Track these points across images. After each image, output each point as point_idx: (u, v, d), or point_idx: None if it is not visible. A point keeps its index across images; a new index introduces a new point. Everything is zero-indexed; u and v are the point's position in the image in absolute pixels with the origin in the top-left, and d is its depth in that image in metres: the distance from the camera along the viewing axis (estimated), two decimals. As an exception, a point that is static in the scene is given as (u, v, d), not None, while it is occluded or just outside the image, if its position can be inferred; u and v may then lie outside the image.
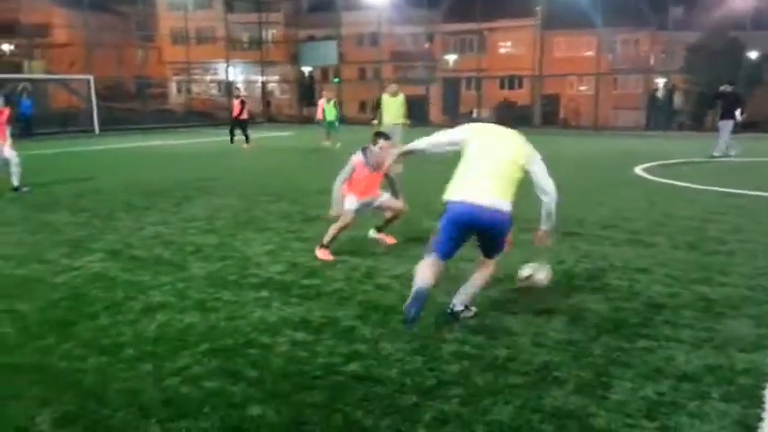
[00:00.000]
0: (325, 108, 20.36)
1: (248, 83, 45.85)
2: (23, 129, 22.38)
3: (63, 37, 41.75)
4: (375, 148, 6.09)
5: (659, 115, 28.81)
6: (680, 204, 8.89)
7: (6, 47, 41.30)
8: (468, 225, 4.24)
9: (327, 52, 38.54)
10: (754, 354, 3.70)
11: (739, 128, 16.38)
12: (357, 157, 6.13)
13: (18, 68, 34.38)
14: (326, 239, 6.12)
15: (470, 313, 4.42)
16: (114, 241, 6.71)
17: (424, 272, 4.23)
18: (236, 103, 20.16)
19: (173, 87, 46.49)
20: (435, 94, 39.16)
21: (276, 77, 46.22)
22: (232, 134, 20.07)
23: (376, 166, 6.08)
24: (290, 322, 4.35)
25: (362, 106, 42.55)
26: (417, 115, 34.14)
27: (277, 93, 46.69)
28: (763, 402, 3.10)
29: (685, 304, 4.61)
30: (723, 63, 30.32)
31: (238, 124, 19.75)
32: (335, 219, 6.12)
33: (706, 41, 33.08)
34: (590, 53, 37.83)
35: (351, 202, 6.16)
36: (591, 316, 4.39)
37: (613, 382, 3.37)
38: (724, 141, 15.67)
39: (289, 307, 4.66)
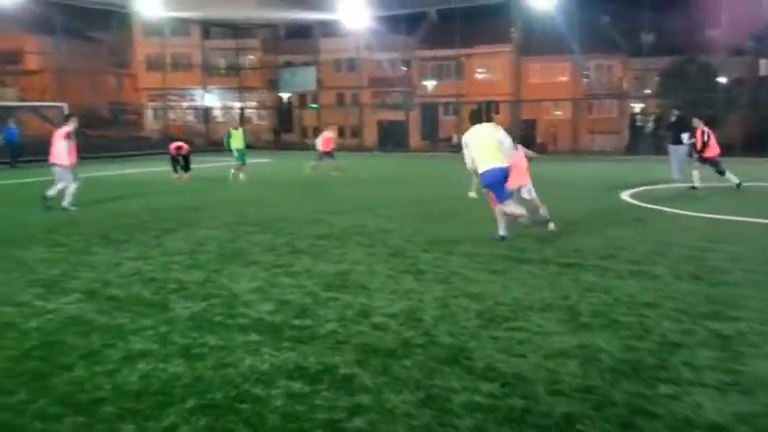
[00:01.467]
0: (233, 135, 18.14)
1: (226, 109, 45.61)
2: (13, 155, 22.85)
3: (34, 64, 41.17)
4: None
5: (639, 139, 29.12)
6: (674, 232, 8.75)
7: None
8: (493, 177, 7.93)
9: (306, 78, 38.49)
10: (786, 400, 3.48)
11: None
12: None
13: (-11, 95, 33.69)
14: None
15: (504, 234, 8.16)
16: (91, 279, 6.32)
17: (516, 209, 8.12)
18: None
19: (148, 114, 45.99)
20: (414, 119, 39.26)
21: (254, 103, 46.03)
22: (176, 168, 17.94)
23: None
24: (284, 370, 4.03)
25: (341, 132, 42.50)
26: (397, 141, 34.24)
27: (255, 119, 46.45)
28: (810, 459, 2.87)
29: (701, 342, 4.38)
30: (696, 87, 30.92)
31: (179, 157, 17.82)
32: None
33: (679, 67, 33.75)
34: (564, 78, 38.43)
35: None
36: (605, 357, 4.14)
37: (642, 436, 3.11)
38: (676, 167, 15.87)
39: (281, 352, 4.34)
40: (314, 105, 40.73)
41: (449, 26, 34.86)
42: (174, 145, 17.98)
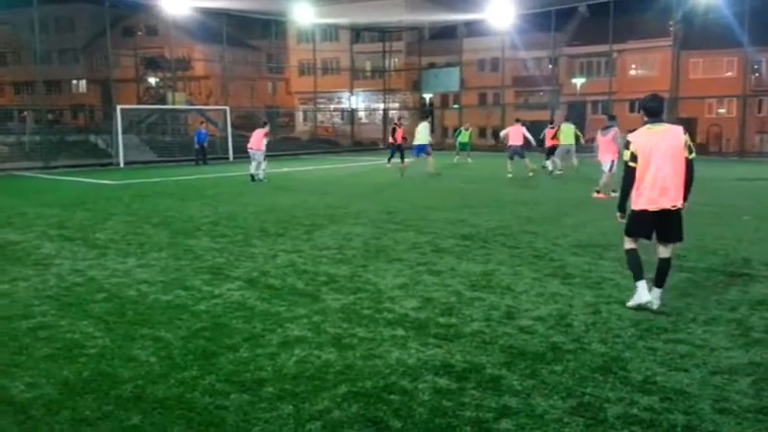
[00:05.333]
0: (462, 133, 26.16)
1: (370, 110, 46.94)
2: (198, 154, 26.00)
3: (202, 70, 45.00)
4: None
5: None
6: None
7: (153, 79, 45.10)
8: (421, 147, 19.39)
9: (449, 79, 38.61)
10: None
11: None
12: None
13: (163, 100, 37.30)
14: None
15: None
16: (251, 269, 6.80)
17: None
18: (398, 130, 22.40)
19: (299, 116, 48.52)
20: (559, 119, 37.91)
21: (397, 104, 46.92)
22: (393, 156, 22.23)
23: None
24: (431, 366, 4.08)
25: (482, 132, 42.10)
26: (540, 141, 33.17)
27: (396, 119, 47.31)
28: None
29: None
30: None
31: (397, 148, 21.90)
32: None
33: None
34: (731, 74, 35.24)
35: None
36: (782, 378, 3.75)
37: (830, 469, 2.78)
38: None
39: (427, 348, 4.40)
40: (455, 106, 40.73)
41: (601, 20, 33.24)
42: (398, 134, 21.83)
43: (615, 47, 33.82)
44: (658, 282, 5.20)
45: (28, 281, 6.36)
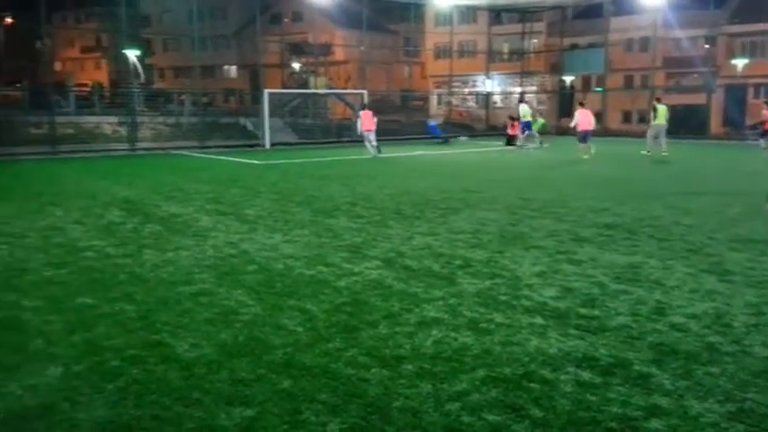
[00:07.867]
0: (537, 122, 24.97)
1: (505, 94, 45.94)
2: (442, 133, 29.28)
3: (341, 55, 46.32)
4: None
5: None
6: None
7: (296, 65, 47.20)
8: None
9: (593, 60, 36.71)
10: None
11: None
12: None
13: (305, 84, 38.93)
14: None
15: None
16: (388, 249, 6.95)
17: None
18: (509, 122, 24.66)
19: (433, 100, 48.55)
20: (715, 102, 34.88)
21: (534, 88, 45.50)
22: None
23: None
24: (573, 358, 3.96)
25: (627, 116, 39.75)
26: (692, 127, 30.87)
27: (534, 103, 45.91)
28: None
29: None
30: None
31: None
32: None
33: None
34: None
35: None
36: None
37: None
38: None
39: (568, 339, 4.27)
40: (598, 89, 38.73)
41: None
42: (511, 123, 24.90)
43: (786, 23, 30.45)
44: None
45: (189, 250, 6.96)
